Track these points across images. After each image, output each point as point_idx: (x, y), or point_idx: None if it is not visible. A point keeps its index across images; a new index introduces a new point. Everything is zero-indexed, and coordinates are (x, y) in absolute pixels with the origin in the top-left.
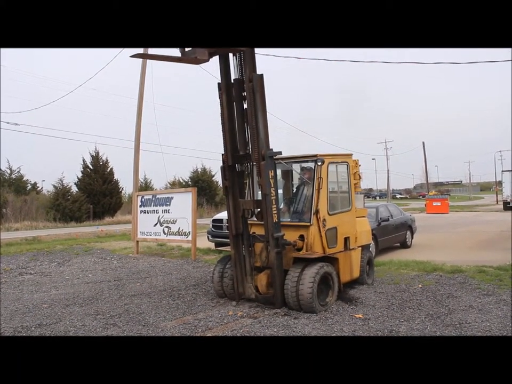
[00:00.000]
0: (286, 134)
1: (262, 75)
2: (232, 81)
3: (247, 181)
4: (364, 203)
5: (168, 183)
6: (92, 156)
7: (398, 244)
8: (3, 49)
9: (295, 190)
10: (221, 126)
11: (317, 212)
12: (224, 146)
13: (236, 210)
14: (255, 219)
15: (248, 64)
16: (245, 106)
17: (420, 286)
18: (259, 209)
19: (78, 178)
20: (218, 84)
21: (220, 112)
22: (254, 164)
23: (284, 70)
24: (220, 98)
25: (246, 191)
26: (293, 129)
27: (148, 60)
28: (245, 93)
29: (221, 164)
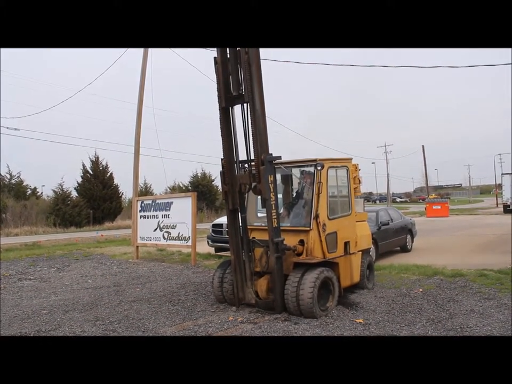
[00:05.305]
0: (283, 138)
1: (258, 48)
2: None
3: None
4: (364, 207)
5: (168, 187)
6: (92, 161)
7: (398, 248)
8: (3, 51)
9: (294, 194)
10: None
11: (316, 216)
12: (218, 91)
13: (233, 185)
14: (255, 224)
15: None
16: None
17: (421, 290)
18: (255, 183)
19: (78, 183)
20: (214, 58)
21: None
22: (247, 102)
23: (283, 74)
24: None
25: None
26: (293, 134)
27: (148, 66)
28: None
29: (221, 169)
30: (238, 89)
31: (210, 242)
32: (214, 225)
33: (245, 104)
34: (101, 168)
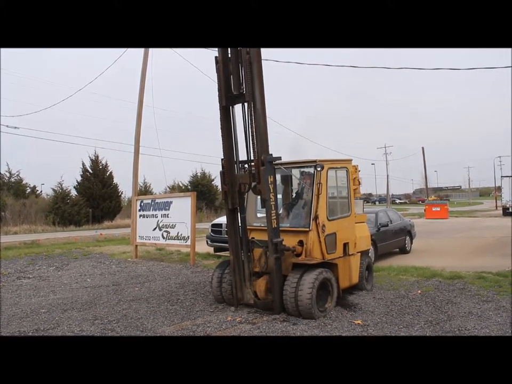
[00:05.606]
0: (285, 138)
1: (259, 48)
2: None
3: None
4: (363, 208)
5: (168, 187)
6: (92, 160)
7: (397, 250)
8: (3, 51)
9: (294, 195)
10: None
11: (316, 217)
12: (218, 90)
13: (233, 185)
14: (254, 225)
15: None
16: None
17: (419, 292)
18: (255, 184)
19: (77, 182)
20: (215, 57)
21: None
22: (248, 101)
23: (282, 74)
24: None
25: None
26: (294, 134)
27: (149, 65)
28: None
29: (221, 169)
30: (239, 88)
31: (209, 242)
32: (213, 225)
33: (246, 104)
34: (100, 167)
